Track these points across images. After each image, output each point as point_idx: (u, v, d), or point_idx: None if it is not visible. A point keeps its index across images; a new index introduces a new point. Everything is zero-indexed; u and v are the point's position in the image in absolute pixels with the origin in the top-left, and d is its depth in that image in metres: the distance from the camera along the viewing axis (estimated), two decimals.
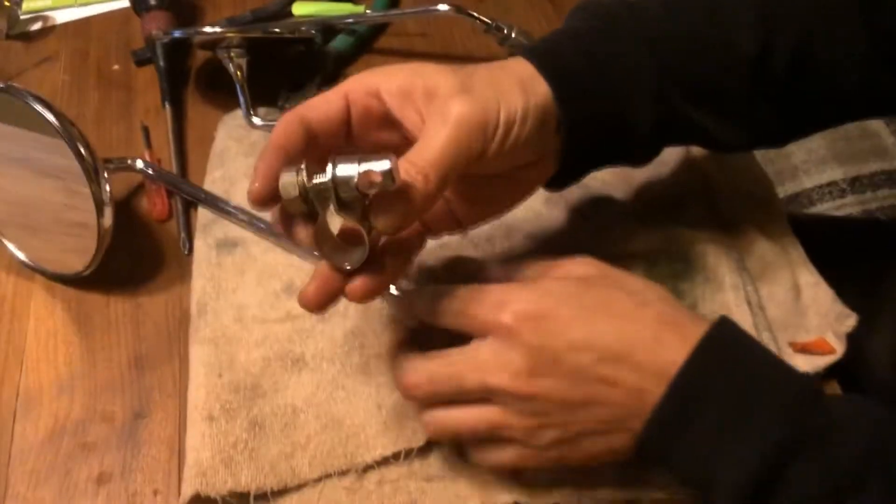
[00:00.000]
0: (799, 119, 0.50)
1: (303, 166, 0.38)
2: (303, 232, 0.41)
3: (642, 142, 0.47)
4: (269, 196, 0.40)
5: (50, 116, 0.52)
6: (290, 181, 0.38)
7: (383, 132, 0.43)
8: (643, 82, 0.45)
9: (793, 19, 0.45)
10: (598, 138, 0.46)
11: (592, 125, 0.45)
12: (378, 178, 0.36)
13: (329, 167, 0.37)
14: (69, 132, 0.52)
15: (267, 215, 0.60)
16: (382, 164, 0.36)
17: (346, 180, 0.37)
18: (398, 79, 0.42)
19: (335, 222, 0.40)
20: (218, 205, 0.60)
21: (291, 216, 0.41)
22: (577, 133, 0.44)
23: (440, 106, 0.40)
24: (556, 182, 0.49)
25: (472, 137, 0.39)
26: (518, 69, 0.43)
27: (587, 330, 0.40)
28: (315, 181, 0.37)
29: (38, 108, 0.53)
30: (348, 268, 0.41)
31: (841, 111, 0.51)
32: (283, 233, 0.43)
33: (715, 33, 0.46)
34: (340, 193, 0.37)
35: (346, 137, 0.43)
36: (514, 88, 0.41)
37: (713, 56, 0.46)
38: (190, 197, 0.62)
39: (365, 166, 0.36)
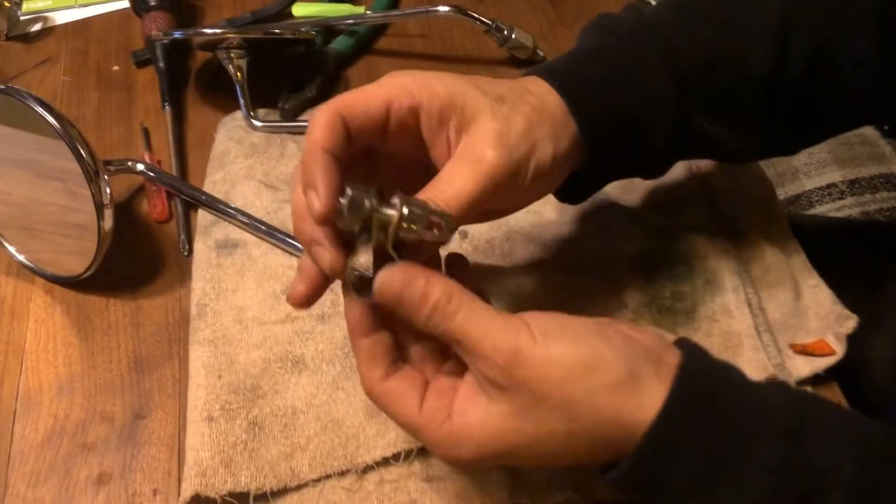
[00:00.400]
0: (811, 128, 0.50)
1: (373, 190, 0.37)
2: (333, 250, 0.38)
3: (657, 157, 0.48)
4: (335, 213, 0.37)
5: (50, 118, 0.52)
6: (360, 202, 0.36)
7: (408, 145, 0.42)
8: (663, 101, 0.45)
9: (808, 31, 0.45)
10: (615, 159, 0.46)
11: (612, 148, 0.45)
12: (441, 228, 0.37)
13: (397, 201, 0.37)
14: (70, 134, 0.52)
15: (266, 217, 0.60)
16: (447, 216, 0.38)
17: (417, 219, 0.37)
18: (439, 100, 0.40)
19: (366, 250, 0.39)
20: (218, 207, 0.60)
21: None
22: (598, 157, 0.45)
23: (474, 147, 0.40)
24: (568, 198, 0.49)
25: (501, 187, 0.40)
26: (550, 110, 0.43)
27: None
28: (385, 211, 0.37)
29: (39, 109, 0.53)
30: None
31: (852, 119, 0.51)
32: (284, 236, 0.42)
33: (731, 46, 0.46)
34: (401, 230, 0.37)
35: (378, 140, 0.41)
36: (548, 139, 0.42)
37: (729, 69, 0.46)
38: (190, 199, 0.62)
39: (433, 212, 0.37)
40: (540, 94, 0.43)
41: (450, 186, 0.39)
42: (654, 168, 0.50)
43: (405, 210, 0.37)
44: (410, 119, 0.41)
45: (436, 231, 0.37)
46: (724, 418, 0.36)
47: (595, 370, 0.36)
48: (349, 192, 0.36)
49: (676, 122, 0.46)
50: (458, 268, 0.44)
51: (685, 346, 0.39)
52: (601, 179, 0.49)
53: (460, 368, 0.40)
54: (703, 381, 0.37)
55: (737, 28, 0.46)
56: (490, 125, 0.40)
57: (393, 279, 0.37)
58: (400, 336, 0.41)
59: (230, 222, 0.60)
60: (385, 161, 0.44)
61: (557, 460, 0.39)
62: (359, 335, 0.40)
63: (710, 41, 0.46)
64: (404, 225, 0.37)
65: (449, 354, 0.41)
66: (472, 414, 0.38)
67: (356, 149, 0.40)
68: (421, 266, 0.38)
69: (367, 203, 0.36)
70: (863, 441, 0.36)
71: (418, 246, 0.39)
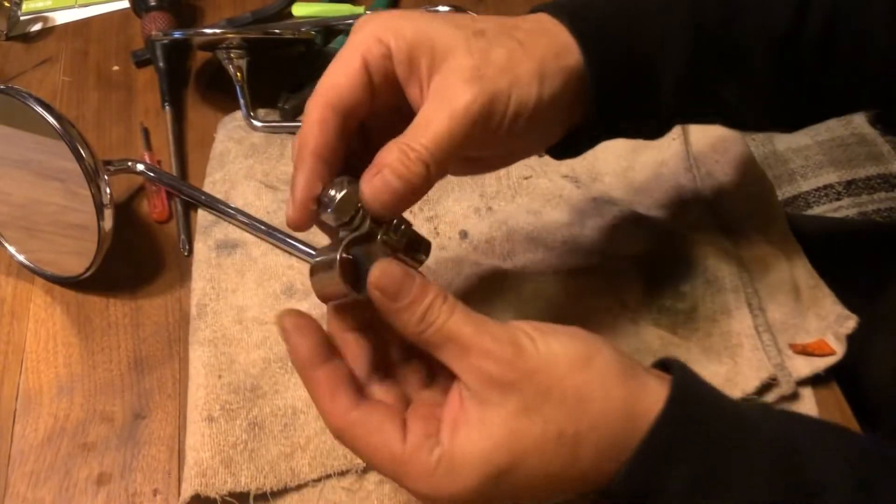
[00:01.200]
0: (818, 102, 0.48)
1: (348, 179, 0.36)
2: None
3: (661, 110, 0.44)
4: (311, 219, 0.37)
5: (50, 118, 0.52)
6: (348, 200, 0.36)
7: (396, 99, 0.39)
8: (674, 45, 0.42)
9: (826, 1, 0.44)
10: (620, 106, 0.43)
11: (618, 91, 0.41)
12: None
13: None
14: (70, 134, 0.52)
15: (266, 217, 0.60)
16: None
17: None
18: (406, 40, 0.37)
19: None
20: (218, 207, 0.60)
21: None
22: (602, 101, 0.41)
23: (447, 86, 0.37)
24: (561, 151, 0.45)
25: (476, 128, 0.37)
26: (547, 41, 0.39)
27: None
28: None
29: (39, 109, 0.53)
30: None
31: (859, 97, 0.49)
32: (284, 236, 0.42)
33: (751, 5, 0.43)
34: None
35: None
36: (532, 77, 0.38)
37: (747, 21, 0.43)
38: (190, 199, 0.62)
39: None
40: (535, 30, 0.40)
41: (425, 132, 0.36)
42: (655, 123, 0.46)
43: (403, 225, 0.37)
44: (388, 67, 0.38)
45: (422, 256, 0.38)
46: (722, 419, 0.35)
47: (597, 358, 0.35)
48: (334, 191, 0.35)
49: (687, 70, 0.42)
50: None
51: (671, 361, 0.37)
52: (600, 130, 0.45)
53: (435, 400, 0.37)
54: (697, 384, 0.36)
55: None
56: (463, 61, 0.37)
57: (392, 271, 0.35)
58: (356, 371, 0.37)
59: (230, 222, 0.60)
60: (379, 133, 0.40)
61: (564, 476, 0.34)
62: (316, 364, 0.36)
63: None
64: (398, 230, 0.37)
65: (411, 382, 0.38)
66: (467, 430, 0.34)
67: (350, 131, 0.38)
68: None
69: (356, 199, 0.36)
70: (852, 455, 0.35)
71: (382, 188, 0.36)
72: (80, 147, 0.52)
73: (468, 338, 0.34)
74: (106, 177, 0.54)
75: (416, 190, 0.36)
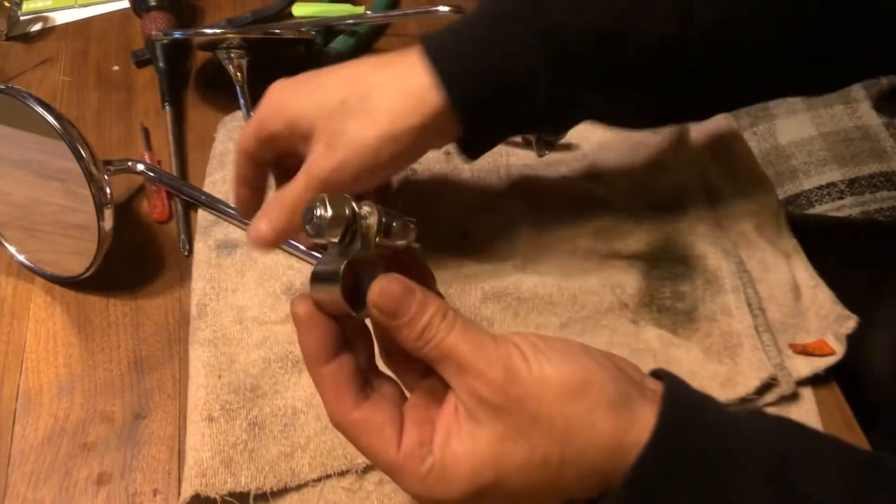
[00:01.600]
0: (707, 103, 0.50)
1: (349, 197, 0.36)
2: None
3: (539, 124, 0.49)
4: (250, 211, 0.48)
5: (50, 118, 0.52)
6: (341, 211, 0.36)
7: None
8: (535, 82, 0.45)
9: (710, 6, 0.44)
10: (491, 131, 0.48)
11: (486, 122, 0.47)
12: (411, 231, 0.38)
13: (368, 209, 0.36)
14: (70, 134, 0.52)
15: None
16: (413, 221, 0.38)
17: (396, 222, 0.37)
18: (287, 116, 0.47)
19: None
20: (218, 207, 0.60)
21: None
22: (473, 130, 0.47)
23: (310, 156, 0.46)
24: (465, 154, 0.50)
25: (330, 186, 0.45)
26: (410, 85, 0.45)
27: None
28: (366, 218, 0.36)
29: (39, 109, 0.53)
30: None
31: (750, 96, 0.51)
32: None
33: (627, 21, 0.45)
34: (380, 236, 0.37)
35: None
36: (381, 142, 0.45)
37: (623, 46, 0.45)
38: (190, 199, 0.62)
39: (404, 216, 0.38)
40: (397, 82, 0.46)
41: (289, 189, 0.46)
42: (543, 129, 0.52)
43: (384, 217, 0.36)
44: (277, 134, 0.47)
45: (412, 235, 0.37)
46: (712, 442, 0.35)
47: (589, 389, 0.34)
48: (321, 210, 0.35)
49: (551, 102, 0.46)
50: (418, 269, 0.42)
51: (664, 373, 0.37)
52: (485, 143, 0.50)
53: (432, 397, 0.37)
54: (688, 404, 0.36)
55: (631, 5, 0.45)
56: (320, 138, 0.46)
57: (393, 288, 0.35)
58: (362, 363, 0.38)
59: (230, 222, 0.60)
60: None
61: (546, 493, 0.35)
62: (323, 361, 0.37)
63: (606, 17, 0.45)
64: (388, 229, 0.36)
65: (413, 383, 0.39)
66: (458, 443, 0.35)
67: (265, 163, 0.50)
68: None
69: (347, 211, 0.35)
70: (847, 469, 0.35)
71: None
72: (80, 147, 0.52)
73: (464, 357, 0.35)
74: (106, 177, 0.54)
75: (285, 231, 0.46)
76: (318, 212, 0.35)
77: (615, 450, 0.34)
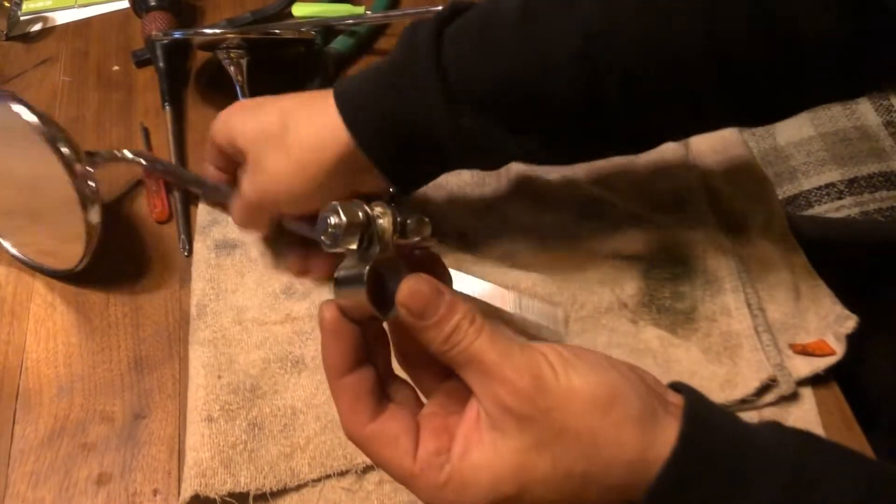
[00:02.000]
0: (629, 143, 0.50)
1: (359, 201, 0.36)
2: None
3: (460, 161, 0.51)
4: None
5: (27, 115, 0.52)
6: (355, 216, 0.35)
7: None
8: (437, 114, 0.47)
9: (620, 48, 0.43)
10: (406, 161, 0.50)
11: (398, 154, 0.49)
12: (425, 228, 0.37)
13: (381, 209, 0.36)
14: (47, 129, 0.52)
15: None
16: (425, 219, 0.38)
17: (414, 220, 0.37)
18: (228, 137, 0.53)
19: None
20: (219, 190, 0.59)
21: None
22: (386, 161, 0.50)
23: (242, 179, 0.53)
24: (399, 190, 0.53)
25: (260, 207, 0.53)
26: (325, 123, 0.49)
27: None
28: (379, 220, 0.36)
29: (15, 106, 0.52)
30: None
31: (673, 132, 0.51)
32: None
33: (533, 79, 0.45)
34: (395, 236, 0.36)
35: None
36: (293, 176, 0.50)
37: (528, 92, 0.45)
38: (183, 184, 0.62)
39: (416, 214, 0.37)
40: (310, 125, 0.50)
41: (233, 206, 0.54)
42: (471, 166, 0.53)
43: (397, 216, 0.36)
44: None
45: (427, 230, 0.37)
46: (732, 455, 0.34)
47: (616, 403, 0.34)
48: (334, 217, 0.34)
49: (458, 142, 0.47)
50: (437, 268, 0.41)
51: (683, 386, 0.37)
52: (410, 179, 0.53)
53: (451, 404, 0.37)
54: (708, 418, 0.35)
55: (539, 44, 0.44)
56: (247, 166, 0.52)
57: (422, 288, 0.35)
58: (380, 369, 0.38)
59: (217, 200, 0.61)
60: None
61: (570, 501, 0.35)
62: (343, 372, 0.36)
63: (513, 61, 0.45)
64: (404, 228, 0.36)
65: (431, 388, 0.39)
66: (479, 454, 0.34)
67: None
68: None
69: (360, 215, 0.35)
70: (867, 482, 0.35)
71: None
72: (58, 142, 0.52)
73: (491, 363, 0.34)
74: (91, 169, 0.54)
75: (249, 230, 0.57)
76: (332, 220, 0.34)
77: (638, 464, 0.34)
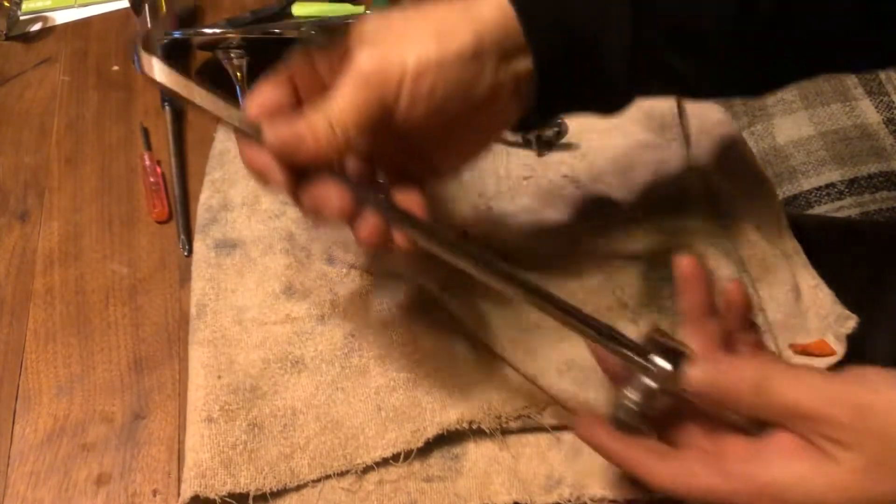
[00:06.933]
0: (780, 67, 0.47)
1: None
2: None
3: (614, 84, 0.45)
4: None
5: None
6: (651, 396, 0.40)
7: None
8: (619, 20, 0.42)
9: None
10: (571, 78, 0.44)
11: (565, 65, 0.43)
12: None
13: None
14: None
15: (269, 223, 0.59)
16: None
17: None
18: (328, 48, 0.42)
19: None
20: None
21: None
22: (550, 71, 0.43)
23: (349, 63, 0.40)
24: (524, 123, 0.46)
25: (373, 90, 0.39)
26: (477, 9, 0.41)
27: None
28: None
29: None
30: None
31: (825, 60, 0.48)
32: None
33: None
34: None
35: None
36: (429, 36, 0.40)
37: (695, 6, 0.43)
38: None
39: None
40: (468, 7, 0.41)
41: (331, 100, 0.39)
42: (612, 99, 0.46)
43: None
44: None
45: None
46: None
47: None
48: (637, 395, 0.40)
49: (635, 48, 0.43)
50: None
51: None
52: (553, 104, 0.46)
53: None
54: None
55: None
56: (360, 31, 0.40)
57: (715, 379, 0.37)
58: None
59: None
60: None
61: None
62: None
63: None
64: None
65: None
66: (811, 479, 0.35)
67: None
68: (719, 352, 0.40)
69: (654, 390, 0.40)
70: None
71: (291, 146, 0.39)
72: None
73: (805, 410, 0.35)
74: None
75: (323, 150, 0.39)
76: (633, 395, 0.40)
77: None
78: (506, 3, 0.41)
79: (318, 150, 0.38)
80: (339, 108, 0.39)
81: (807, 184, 1.39)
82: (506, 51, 0.41)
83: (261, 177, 0.40)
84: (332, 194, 0.39)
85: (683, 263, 0.40)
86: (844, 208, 1.35)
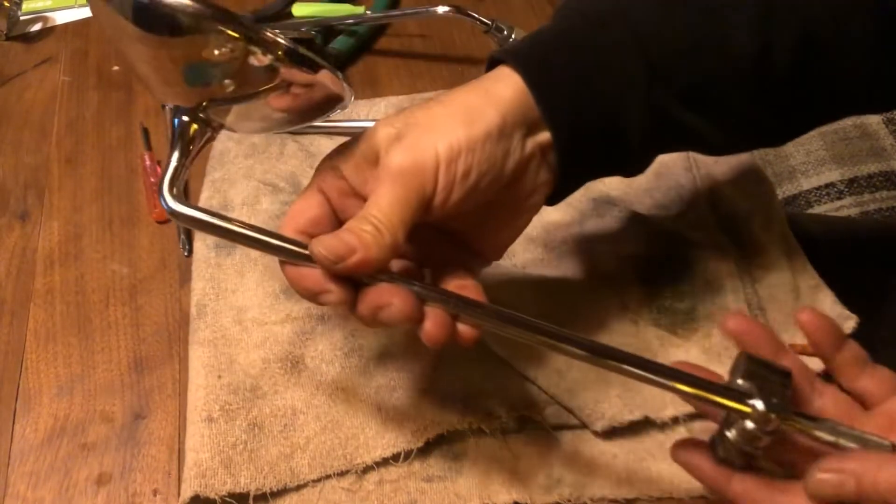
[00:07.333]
0: (800, 118, 0.47)
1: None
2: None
3: (635, 150, 0.45)
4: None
5: None
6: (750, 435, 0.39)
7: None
8: (634, 87, 0.43)
9: (796, 13, 0.43)
10: (592, 152, 0.44)
11: (584, 138, 0.43)
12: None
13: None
14: None
15: (270, 221, 0.60)
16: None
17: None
18: (353, 154, 0.42)
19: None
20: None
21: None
22: (571, 149, 0.43)
23: (381, 168, 0.40)
24: (553, 198, 0.47)
25: (411, 184, 0.39)
26: (495, 91, 0.42)
27: None
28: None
29: None
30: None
31: (845, 107, 0.49)
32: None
33: (711, 31, 0.43)
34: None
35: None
36: (456, 122, 0.40)
37: (709, 56, 0.43)
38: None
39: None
40: (474, 85, 0.42)
41: (371, 204, 0.39)
42: (632, 162, 0.47)
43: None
44: (343, 184, 0.42)
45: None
46: None
47: None
48: (734, 433, 0.38)
49: (652, 112, 0.43)
50: None
51: None
52: (577, 178, 0.46)
53: None
54: None
55: (719, 13, 0.43)
56: (387, 134, 0.40)
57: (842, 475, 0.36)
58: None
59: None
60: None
61: None
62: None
63: (686, 25, 0.43)
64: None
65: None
66: None
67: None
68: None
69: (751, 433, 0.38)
70: None
71: (343, 250, 0.38)
72: None
73: None
74: None
75: (375, 254, 0.38)
76: (728, 433, 0.39)
77: None
78: (523, 84, 0.42)
79: (369, 255, 0.38)
80: (382, 209, 0.39)
81: (806, 183, 1.39)
82: (529, 126, 0.42)
83: (314, 296, 0.40)
84: (392, 298, 0.38)
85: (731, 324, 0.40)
86: (844, 208, 1.35)
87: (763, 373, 0.38)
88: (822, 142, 1.44)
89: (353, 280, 0.39)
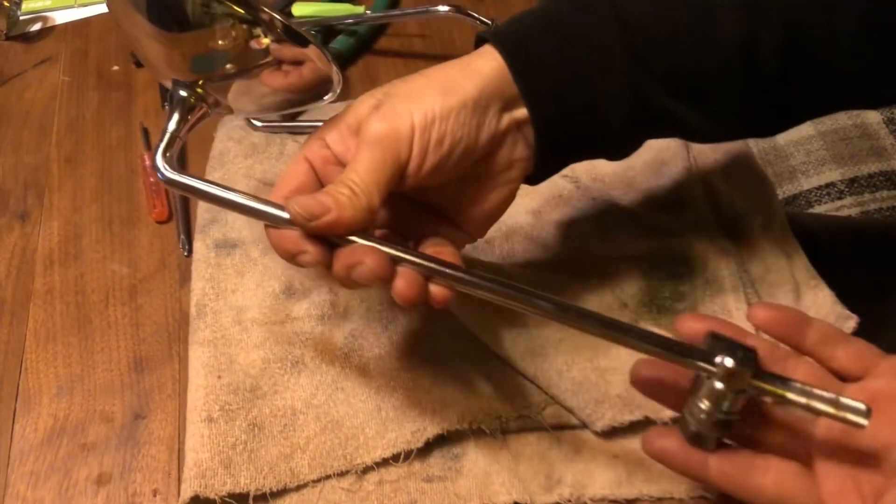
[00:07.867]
0: (787, 109, 0.47)
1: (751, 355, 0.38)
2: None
3: (617, 135, 0.46)
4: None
5: None
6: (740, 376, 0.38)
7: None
8: (615, 69, 0.43)
9: (781, 3, 0.43)
10: (570, 133, 0.45)
11: (563, 119, 0.44)
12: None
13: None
14: None
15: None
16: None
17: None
18: (337, 125, 0.44)
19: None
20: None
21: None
22: (549, 128, 0.44)
23: (361, 133, 0.42)
24: (534, 178, 0.48)
25: (387, 149, 0.41)
26: (476, 65, 0.43)
27: None
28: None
29: None
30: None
31: (833, 100, 0.48)
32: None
33: (696, 20, 0.43)
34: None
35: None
36: (433, 93, 0.42)
37: (693, 44, 0.43)
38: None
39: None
40: (457, 62, 0.44)
41: (349, 170, 0.41)
42: (617, 146, 0.47)
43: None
44: (327, 153, 0.44)
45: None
46: None
47: None
48: (725, 358, 0.37)
49: (634, 97, 0.44)
50: None
51: None
52: (558, 158, 0.47)
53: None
54: None
55: (701, 1, 0.43)
56: (367, 106, 0.43)
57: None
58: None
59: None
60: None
61: None
62: None
63: (671, 12, 0.44)
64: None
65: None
66: None
67: None
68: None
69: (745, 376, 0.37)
70: None
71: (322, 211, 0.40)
72: None
73: None
74: None
75: (350, 216, 0.39)
76: (719, 359, 0.37)
77: None
78: (503, 60, 0.43)
79: (343, 215, 0.39)
80: (359, 173, 0.41)
81: (807, 183, 1.39)
82: (506, 101, 0.43)
83: (292, 257, 0.41)
84: (364, 258, 0.39)
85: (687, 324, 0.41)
86: (844, 208, 1.35)
87: (729, 345, 0.38)
88: (823, 142, 1.44)
89: (330, 242, 0.40)
